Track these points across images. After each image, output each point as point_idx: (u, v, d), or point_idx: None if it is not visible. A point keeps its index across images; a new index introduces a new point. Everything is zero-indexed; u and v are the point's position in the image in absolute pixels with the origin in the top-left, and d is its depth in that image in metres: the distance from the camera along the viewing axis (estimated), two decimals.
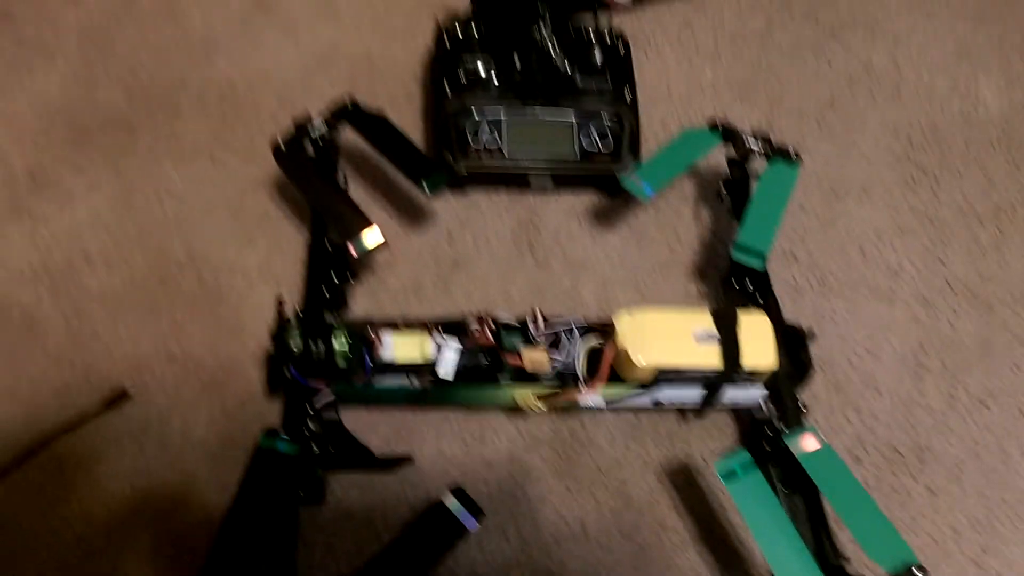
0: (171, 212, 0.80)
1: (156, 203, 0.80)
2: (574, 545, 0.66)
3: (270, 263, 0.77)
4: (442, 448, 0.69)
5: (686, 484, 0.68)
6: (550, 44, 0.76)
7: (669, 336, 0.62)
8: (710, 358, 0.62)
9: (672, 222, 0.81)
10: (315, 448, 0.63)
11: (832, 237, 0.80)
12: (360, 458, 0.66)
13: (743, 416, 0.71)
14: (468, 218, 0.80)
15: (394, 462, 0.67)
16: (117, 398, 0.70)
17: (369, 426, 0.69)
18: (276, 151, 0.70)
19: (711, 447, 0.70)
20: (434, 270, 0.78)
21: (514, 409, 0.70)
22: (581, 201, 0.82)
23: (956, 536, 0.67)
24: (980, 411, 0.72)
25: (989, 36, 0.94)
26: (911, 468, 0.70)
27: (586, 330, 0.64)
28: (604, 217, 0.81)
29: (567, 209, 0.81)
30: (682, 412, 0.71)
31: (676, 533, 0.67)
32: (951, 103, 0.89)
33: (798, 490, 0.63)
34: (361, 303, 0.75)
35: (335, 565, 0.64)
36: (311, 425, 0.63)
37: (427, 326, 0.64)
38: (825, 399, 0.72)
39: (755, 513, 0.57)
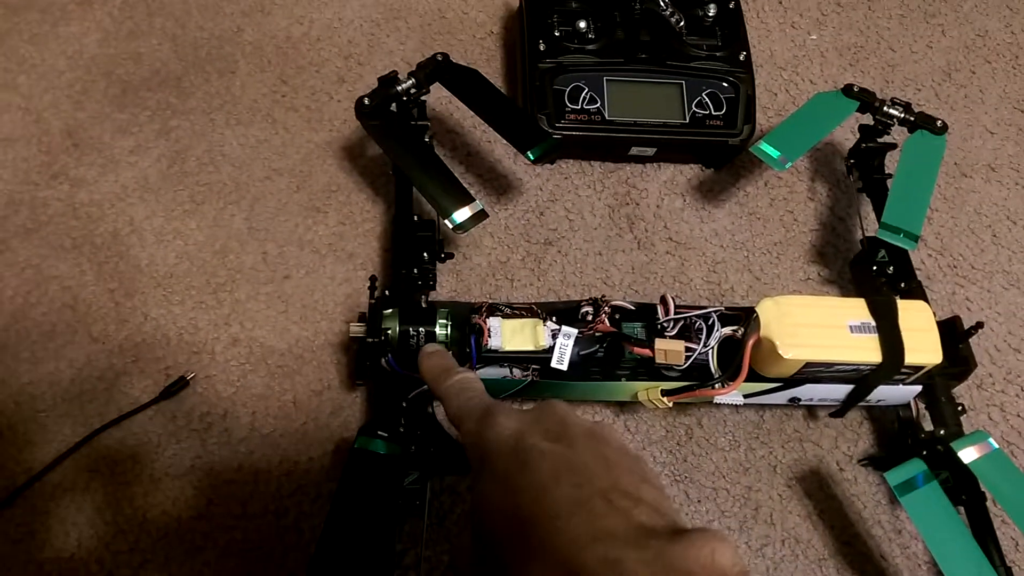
0: (228, 178, 0.71)
1: (211, 168, 0.72)
2: None
3: (341, 236, 0.69)
4: None
5: (820, 492, 0.61)
6: None
7: (819, 326, 0.55)
8: (867, 352, 0.54)
9: (785, 198, 0.73)
10: (412, 448, 0.55)
11: (961, 219, 0.73)
12: (456, 460, 0.58)
13: (878, 415, 0.63)
14: (559, 191, 0.72)
15: None
16: (174, 385, 0.62)
17: None
18: (360, 109, 0.61)
19: (844, 450, 0.62)
20: (524, 248, 0.69)
21: (622, 403, 0.62)
22: (682, 174, 0.74)
23: None
24: None
25: None
26: None
27: (721, 319, 0.56)
28: (709, 192, 0.73)
29: (667, 183, 0.73)
30: (809, 410, 0.64)
31: (812, 548, 0.59)
32: None
33: (959, 499, 0.56)
34: (444, 283, 0.67)
35: None
36: (405, 423, 0.55)
37: (535, 312, 0.56)
38: (967, 396, 0.65)
39: (933, 529, 0.50)
